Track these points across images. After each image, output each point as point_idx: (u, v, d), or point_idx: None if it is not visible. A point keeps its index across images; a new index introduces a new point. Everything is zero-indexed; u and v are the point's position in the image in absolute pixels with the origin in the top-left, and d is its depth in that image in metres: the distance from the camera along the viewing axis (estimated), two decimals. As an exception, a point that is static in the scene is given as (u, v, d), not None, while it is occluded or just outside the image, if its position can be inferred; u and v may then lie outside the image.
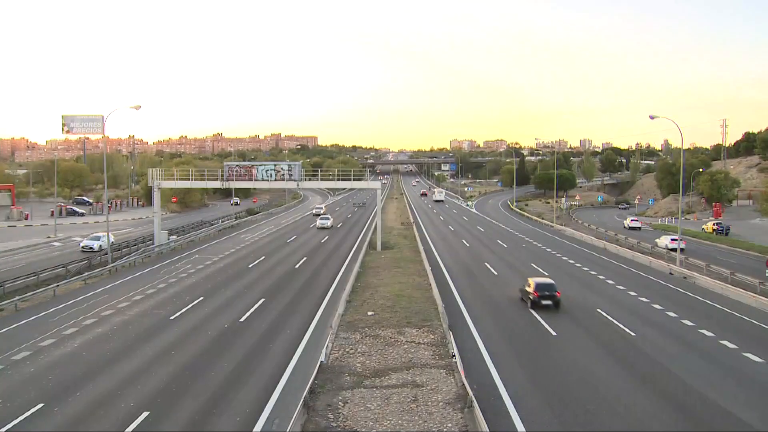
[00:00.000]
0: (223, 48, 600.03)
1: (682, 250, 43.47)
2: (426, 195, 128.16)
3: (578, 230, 65.72)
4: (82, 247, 45.63)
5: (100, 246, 44.17)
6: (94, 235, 48.11)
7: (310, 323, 24.43)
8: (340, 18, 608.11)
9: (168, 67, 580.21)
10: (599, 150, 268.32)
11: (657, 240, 52.79)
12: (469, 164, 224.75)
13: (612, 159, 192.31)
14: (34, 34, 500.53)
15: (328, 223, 61.15)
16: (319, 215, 68.91)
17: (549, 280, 28.64)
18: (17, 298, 27.63)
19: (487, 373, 18.32)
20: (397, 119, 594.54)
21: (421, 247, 45.91)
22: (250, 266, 39.03)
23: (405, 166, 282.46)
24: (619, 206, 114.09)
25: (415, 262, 39.88)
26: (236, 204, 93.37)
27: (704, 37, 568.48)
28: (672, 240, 49.32)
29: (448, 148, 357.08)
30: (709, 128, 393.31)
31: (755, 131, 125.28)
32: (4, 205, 78.03)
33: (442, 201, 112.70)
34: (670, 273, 37.75)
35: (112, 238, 42.03)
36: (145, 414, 15.12)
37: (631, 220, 73.05)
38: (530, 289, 27.40)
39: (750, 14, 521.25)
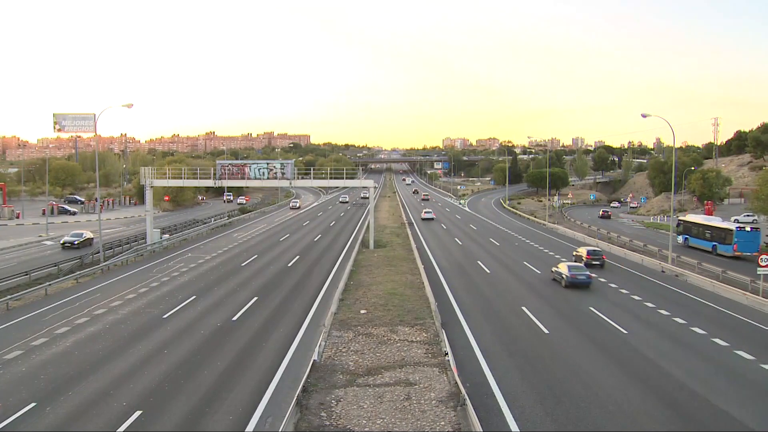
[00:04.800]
0: (216, 46, 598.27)
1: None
2: (405, 180, 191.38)
3: (571, 228, 65.95)
4: None
5: None
6: None
7: (303, 322, 24.41)
8: (332, 17, 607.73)
9: (160, 65, 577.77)
10: (592, 148, 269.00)
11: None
12: (462, 163, 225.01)
13: (604, 157, 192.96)
14: (26, 33, 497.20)
15: None
16: None
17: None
18: (8, 297, 27.44)
19: (480, 371, 18.38)
20: (390, 118, 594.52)
21: (413, 246, 45.94)
22: (243, 265, 38.94)
23: (398, 164, 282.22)
24: (610, 204, 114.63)
25: (408, 260, 39.90)
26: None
27: (696, 36, 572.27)
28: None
29: (441, 146, 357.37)
30: (701, 127, 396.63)
31: (747, 130, 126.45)
32: (-6, 204, 77.47)
33: (410, 184, 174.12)
34: (662, 271, 37.97)
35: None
36: (138, 413, 15.08)
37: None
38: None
39: (742, 12, 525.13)
